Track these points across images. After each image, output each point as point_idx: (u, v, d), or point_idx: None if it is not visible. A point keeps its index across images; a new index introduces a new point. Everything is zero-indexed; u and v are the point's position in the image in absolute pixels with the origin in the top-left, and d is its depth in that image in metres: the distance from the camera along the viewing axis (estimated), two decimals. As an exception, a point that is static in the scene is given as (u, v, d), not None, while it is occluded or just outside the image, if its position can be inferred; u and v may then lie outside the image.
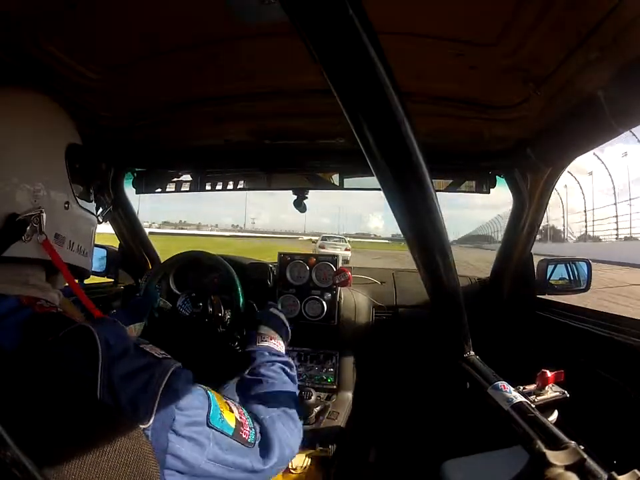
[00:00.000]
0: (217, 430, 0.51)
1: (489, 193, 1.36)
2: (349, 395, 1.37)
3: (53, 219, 0.59)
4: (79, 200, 0.65)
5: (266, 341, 0.87)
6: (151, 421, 0.45)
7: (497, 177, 1.34)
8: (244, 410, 0.60)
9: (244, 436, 0.55)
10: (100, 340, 0.46)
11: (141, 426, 0.45)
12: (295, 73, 0.84)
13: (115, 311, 1.23)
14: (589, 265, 1.45)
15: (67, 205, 0.61)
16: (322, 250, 15.91)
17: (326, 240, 19.38)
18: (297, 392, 0.76)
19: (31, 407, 0.41)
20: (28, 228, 0.54)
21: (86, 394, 0.44)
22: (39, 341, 0.47)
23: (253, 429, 0.57)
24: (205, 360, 1.00)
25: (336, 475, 1.17)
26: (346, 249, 17.78)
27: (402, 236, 0.61)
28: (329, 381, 1.40)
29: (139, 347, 0.51)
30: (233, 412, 0.56)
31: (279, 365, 0.78)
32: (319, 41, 0.36)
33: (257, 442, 0.58)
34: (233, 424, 0.54)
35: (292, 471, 1.13)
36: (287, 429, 0.65)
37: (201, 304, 1.27)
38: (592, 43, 0.63)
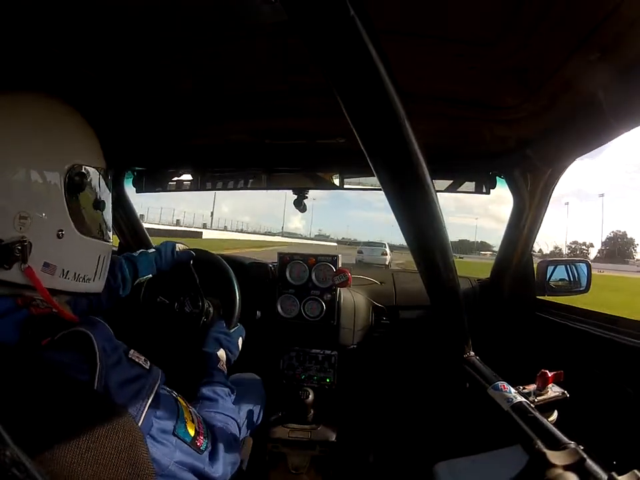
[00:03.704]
0: (179, 438, 0.59)
1: (488, 193, 1.36)
2: (348, 395, 1.37)
3: (42, 248, 0.55)
4: (77, 227, 0.60)
5: (222, 366, 0.99)
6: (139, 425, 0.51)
7: (497, 177, 1.34)
8: (202, 419, 0.69)
9: (198, 444, 0.63)
10: (98, 347, 0.50)
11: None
12: (295, 72, 0.84)
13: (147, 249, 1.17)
14: (588, 266, 1.45)
15: (60, 233, 0.57)
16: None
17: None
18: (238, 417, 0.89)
19: (29, 403, 0.42)
20: (12, 254, 0.52)
21: (83, 388, 0.47)
22: (37, 342, 0.49)
23: (206, 439, 0.66)
24: (201, 357, 1.01)
25: (335, 475, 1.17)
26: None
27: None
28: (327, 381, 1.40)
29: (127, 355, 0.56)
30: (194, 423, 0.64)
31: (227, 390, 0.90)
32: (320, 41, 0.36)
33: (207, 451, 0.65)
34: (192, 433, 0.62)
35: (292, 471, 1.13)
36: (230, 447, 0.75)
37: (199, 303, 1.26)
38: (592, 43, 0.63)
